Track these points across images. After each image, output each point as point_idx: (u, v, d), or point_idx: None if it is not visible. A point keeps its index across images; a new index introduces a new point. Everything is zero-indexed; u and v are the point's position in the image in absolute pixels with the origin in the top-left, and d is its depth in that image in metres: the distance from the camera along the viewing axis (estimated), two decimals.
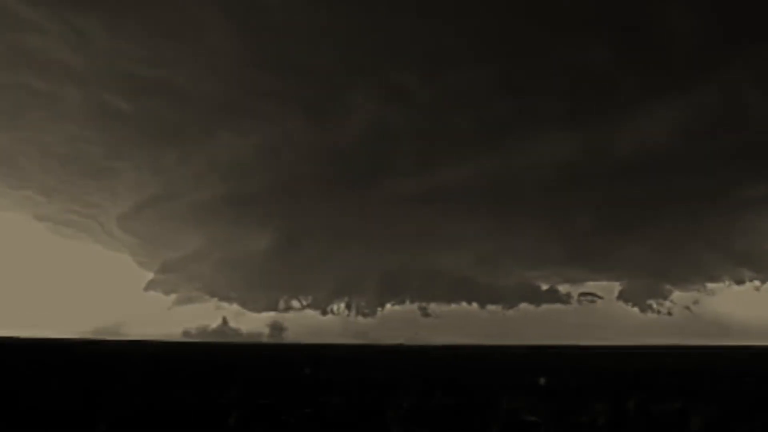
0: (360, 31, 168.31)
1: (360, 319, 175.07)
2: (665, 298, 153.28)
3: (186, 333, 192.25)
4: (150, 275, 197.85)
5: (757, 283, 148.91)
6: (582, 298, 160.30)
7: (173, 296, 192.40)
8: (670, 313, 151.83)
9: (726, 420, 19.89)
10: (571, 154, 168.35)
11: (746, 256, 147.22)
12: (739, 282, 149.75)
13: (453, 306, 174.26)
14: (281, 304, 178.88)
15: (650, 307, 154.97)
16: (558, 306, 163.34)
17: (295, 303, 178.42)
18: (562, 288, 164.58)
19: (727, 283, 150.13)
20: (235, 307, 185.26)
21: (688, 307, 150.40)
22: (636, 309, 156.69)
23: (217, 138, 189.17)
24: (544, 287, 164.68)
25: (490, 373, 51.61)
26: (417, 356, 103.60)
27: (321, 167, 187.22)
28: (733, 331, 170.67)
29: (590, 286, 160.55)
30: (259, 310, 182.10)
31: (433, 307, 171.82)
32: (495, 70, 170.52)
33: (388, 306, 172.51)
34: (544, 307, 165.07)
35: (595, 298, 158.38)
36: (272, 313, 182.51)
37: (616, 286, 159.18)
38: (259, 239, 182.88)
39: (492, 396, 30.19)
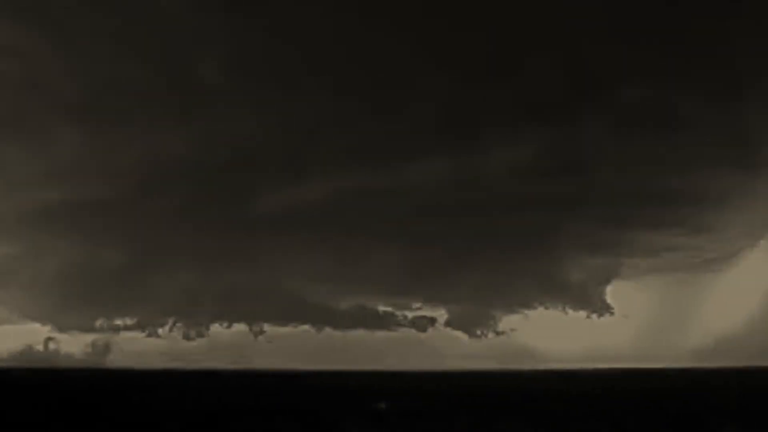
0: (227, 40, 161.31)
1: (184, 342, 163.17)
2: (491, 324, 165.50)
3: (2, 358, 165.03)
4: None
5: (570, 311, 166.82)
6: (415, 322, 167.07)
7: None
8: (497, 333, 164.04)
9: None
10: (422, 185, 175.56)
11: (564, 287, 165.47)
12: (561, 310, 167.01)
13: (288, 328, 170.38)
14: (102, 325, 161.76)
15: (477, 332, 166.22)
16: (390, 332, 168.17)
17: (118, 323, 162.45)
18: (398, 314, 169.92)
19: (546, 309, 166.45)
20: (48, 328, 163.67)
21: (504, 333, 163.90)
22: (464, 334, 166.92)
23: (57, 136, 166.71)
24: (380, 312, 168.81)
25: (330, 398, 51.80)
26: (253, 380, 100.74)
27: (170, 182, 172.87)
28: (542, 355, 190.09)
29: (420, 312, 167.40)
30: (78, 331, 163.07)
31: (266, 329, 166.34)
32: (359, 93, 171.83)
33: (216, 327, 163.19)
34: (378, 333, 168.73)
35: (428, 324, 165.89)
36: (93, 335, 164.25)
37: (443, 314, 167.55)
38: (86, 254, 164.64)
39: (333, 421, 30.28)
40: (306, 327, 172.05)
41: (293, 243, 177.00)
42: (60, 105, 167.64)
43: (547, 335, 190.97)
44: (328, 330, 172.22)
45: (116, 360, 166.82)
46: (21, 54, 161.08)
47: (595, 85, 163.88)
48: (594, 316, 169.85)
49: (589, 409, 41.02)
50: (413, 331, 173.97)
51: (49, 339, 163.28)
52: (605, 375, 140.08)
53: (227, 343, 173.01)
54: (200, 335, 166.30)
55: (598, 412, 38.39)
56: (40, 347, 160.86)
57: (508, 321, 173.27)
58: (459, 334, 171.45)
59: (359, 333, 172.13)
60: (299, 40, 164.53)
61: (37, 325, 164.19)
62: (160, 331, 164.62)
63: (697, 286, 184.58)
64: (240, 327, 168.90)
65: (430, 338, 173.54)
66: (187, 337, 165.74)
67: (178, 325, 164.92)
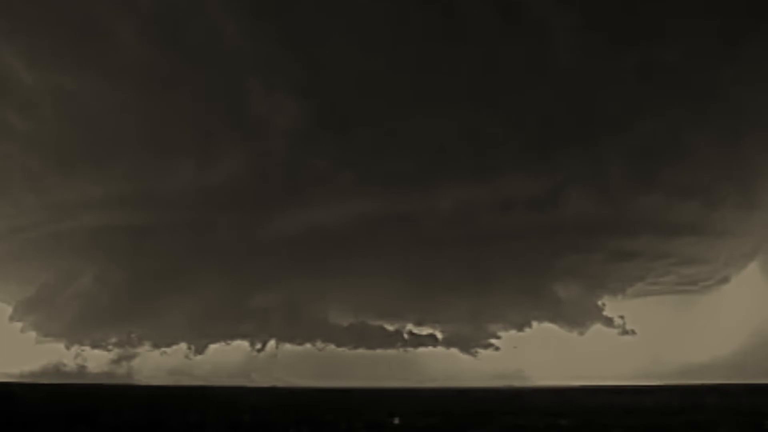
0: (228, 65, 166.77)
1: (188, 360, 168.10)
2: (487, 342, 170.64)
3: (32, 374, 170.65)
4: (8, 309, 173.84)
5: (567, 330, 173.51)
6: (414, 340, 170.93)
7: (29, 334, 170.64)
8: (496, 349, 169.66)
9: None
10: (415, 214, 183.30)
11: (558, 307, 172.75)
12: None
13: (290, 346, 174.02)
14: (122, 342, 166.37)
15: (473, 350, 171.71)
16: (390, 350, 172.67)
17: (136, 341, 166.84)
18: (400, 332, 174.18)
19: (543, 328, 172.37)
20: (76, 346, 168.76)
21: (500, 349, 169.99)
22: (460, 352, 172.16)
23: (111, 167, 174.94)
24: (381, 330, 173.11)
25: (344, 414, 53.95)
26: (266, 396, 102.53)
27: (187, 208, 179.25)
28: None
29: (419, 330, 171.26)
30: (103, 349, 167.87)
31: (269, 346, 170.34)
32: (378, 131, 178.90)
33: (215, 346, 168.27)
34: (379, 350, 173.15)
35: (427, 342, 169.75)
36: (116, 353, 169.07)
37: (438, 332, 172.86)
38: (117, 277, 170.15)
39: None
40: (308, 345, 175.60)
41: (302, 266, 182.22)
42: (115, 138, 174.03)
43: (543, 352, 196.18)
44: (330, 347, 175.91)
45: (134, 375, 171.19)
46: (82, 96, 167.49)
47: (592, 130, 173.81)
48: (590, 334, 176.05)
49: (586, 425, 43.29)
50: (411, 348, 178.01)
51: (77, 356, 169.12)
52: (601, 391, 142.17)
53: (230, 360, 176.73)
54: (199, 353, 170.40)
55: (594, 427, 40.64)
56: (69, 363, 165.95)
57: (504, 338, 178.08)
58: (455, 351, 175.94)
59: (360, 351, 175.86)
60: (337, 84, 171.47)
61: (64, 344, 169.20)
62: (169, 350, 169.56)
63: (692, 307, 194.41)
64: (242, 343, 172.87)
65: (428, 355, 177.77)
66: (189, 356, 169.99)
67: (183, 343, 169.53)
